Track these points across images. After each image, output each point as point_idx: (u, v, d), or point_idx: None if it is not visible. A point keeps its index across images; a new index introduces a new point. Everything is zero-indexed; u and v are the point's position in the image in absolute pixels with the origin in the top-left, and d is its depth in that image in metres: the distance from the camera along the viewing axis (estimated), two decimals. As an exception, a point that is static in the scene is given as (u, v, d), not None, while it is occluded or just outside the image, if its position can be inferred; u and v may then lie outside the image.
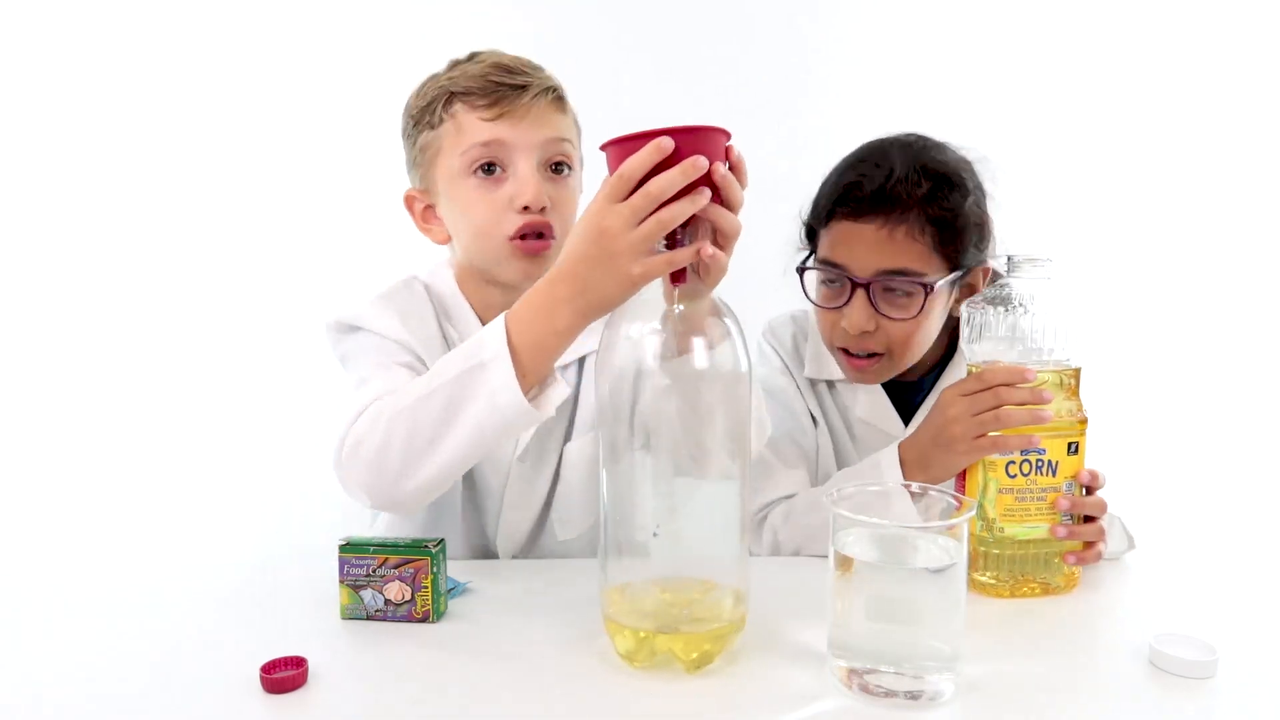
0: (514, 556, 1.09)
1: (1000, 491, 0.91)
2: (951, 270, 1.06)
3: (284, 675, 0.71)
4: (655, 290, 0.74)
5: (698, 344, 0.72)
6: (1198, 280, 1.87)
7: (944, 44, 1.78)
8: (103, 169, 1.83)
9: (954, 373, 1.15)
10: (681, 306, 0.73)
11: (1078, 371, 0.92)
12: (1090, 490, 0.92)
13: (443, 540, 0.86)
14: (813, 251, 1.12)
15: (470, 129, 0.98)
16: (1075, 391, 0.92)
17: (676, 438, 0.72)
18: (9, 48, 1.78)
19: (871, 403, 1.17)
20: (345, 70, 1.78)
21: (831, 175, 1.10)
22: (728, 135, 0.71)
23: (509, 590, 0.92)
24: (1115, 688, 0.72)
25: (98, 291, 1.86)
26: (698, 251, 0.71)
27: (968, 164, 1.08)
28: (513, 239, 0.98)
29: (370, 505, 0.88)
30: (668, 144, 0.67)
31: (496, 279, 1.03)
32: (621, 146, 0.70)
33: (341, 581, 0.84)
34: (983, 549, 0.91)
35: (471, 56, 1.03)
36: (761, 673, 0.73)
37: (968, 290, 1.10)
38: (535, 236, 0.99)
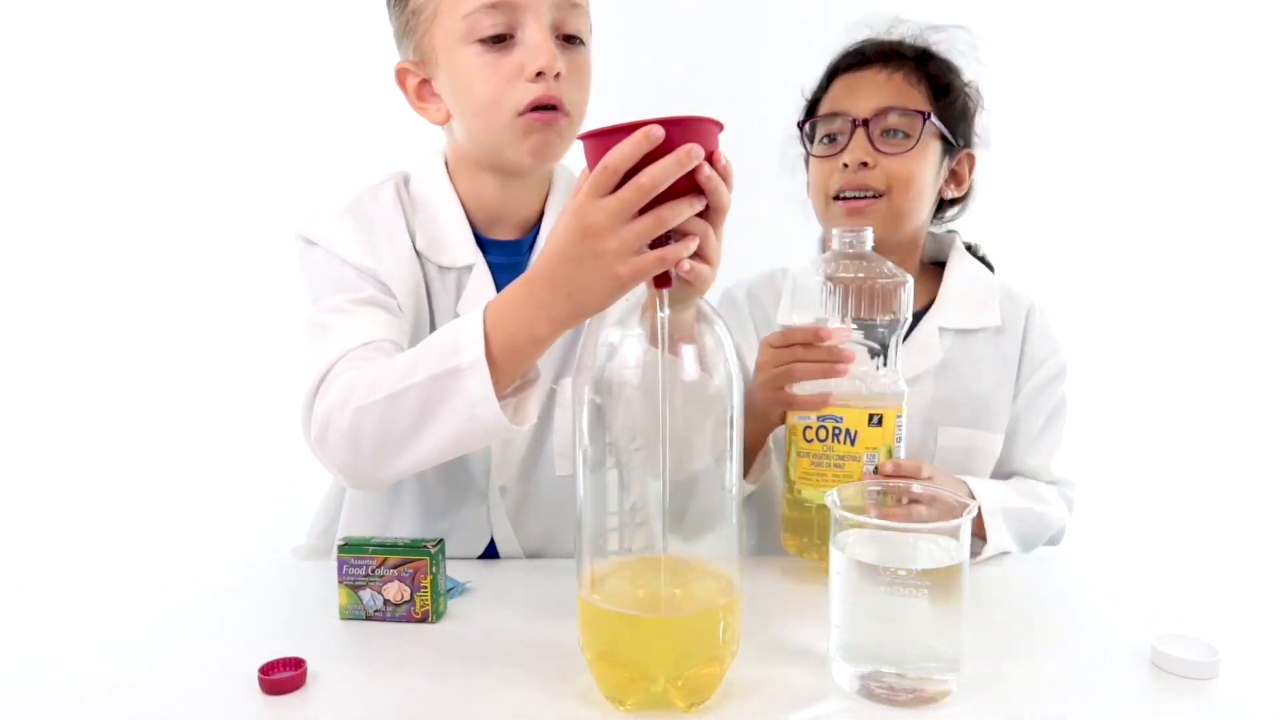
0: (504, 486, 1.02)
1: (799, 455, 0.92)
2: (943, 132, 1.10)
3: (282, 676, 0.71)
4: (639, 294, 0.70)
5: (684, 352, 0.67)
6: (1200, 280, 1.87)
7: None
8: (78, 161, 1.81)
9: (935, 319, 1.13)
10: (667, 312, 0.68)
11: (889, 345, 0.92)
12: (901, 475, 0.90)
13: (441, 540, 0.86)
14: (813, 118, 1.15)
15: None
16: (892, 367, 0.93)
17: (659, 448, 0.68)
18: None
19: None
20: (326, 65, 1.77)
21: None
22: (720, 126, 0.66)
23: (509, 590, 0.92)
24: (1117, 688, 0.72)
25: (97, 292, 1.85)
26: (691, 247, 0.66)
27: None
28: (522, 113, 0.87)
29: (347, 485, 0.85)
30: (658, 132, 0.61)
31: (502, 162, 0.94)
32: (603, 140, 0.64)
33: (340, 582, 0.84)
34: (788, 511, 0.94)
35: None
36: (763, 675, 0.73)
37: (953, 178, 1.14)
38: (548, 109, 0.88)
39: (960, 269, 1.16)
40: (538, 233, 1.00)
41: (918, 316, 1.13)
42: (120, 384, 1.86)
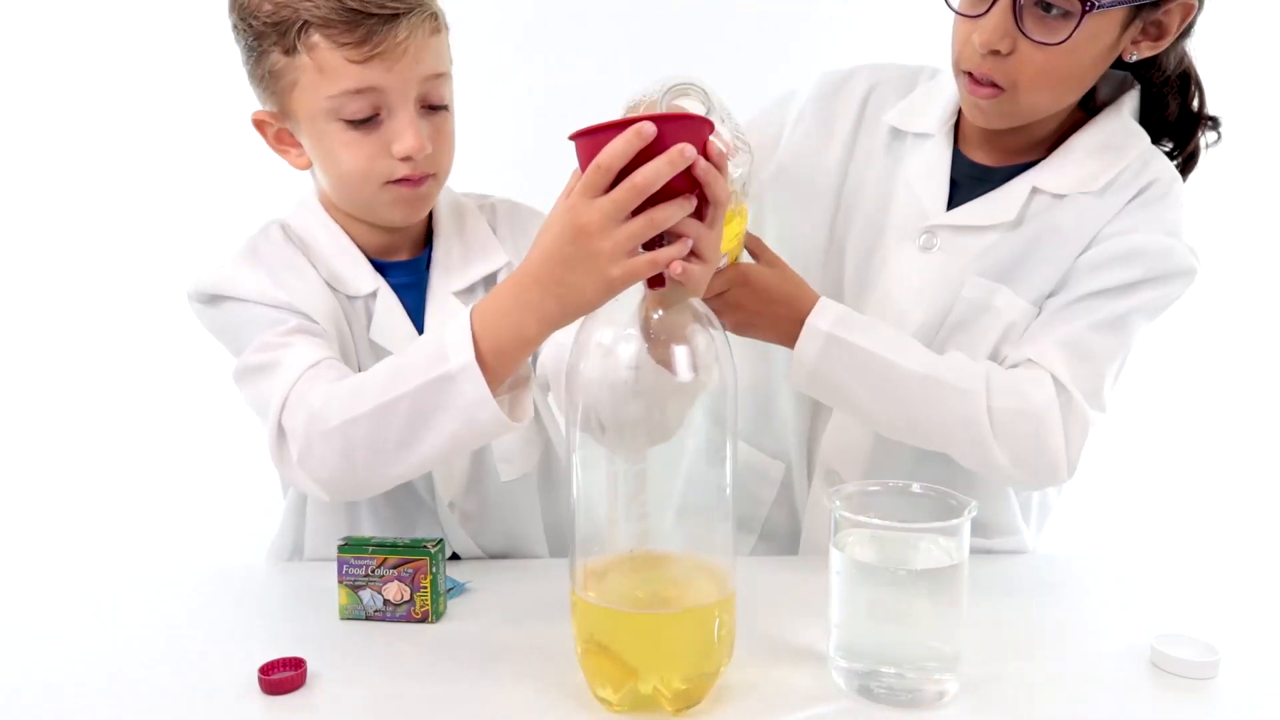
0: (452, 502, 1.00)
1: None
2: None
3: (282, 676, 0.71)
4: (631, 294, 0.68)
5: (677, 353, 0.66)
6: (1201, 279, 1.87)
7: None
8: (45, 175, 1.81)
9: (1032, 177, 0.95)
10: (660, 313, 0.67)
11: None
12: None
13: (441, 540, 0.86)
14: None
15: (335, 71, 0.83)
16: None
17: (653, 451, 0.68)
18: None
19: (927, 165, 1.00)
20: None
21: None
22: (711, 126, 0.65)
23: (509, 590, 0.92)
24: (1116, 688, 0.72)
25: (99, 291, 1.85)
26: (684, 250, 0.65)
27: None
28: (390, 183, 0.88)
29: (328, 500, 0.83)
30: (650, 130, 0.61)
31: (372, 220, 0.94)
32: (595, 138, 0.63)
33: (340, 582, 0.84)
34: None
35: None
36: (762, 675, 0.73)
37: (1154, 30, 0.88)
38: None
39: (1105, 128, 0.95)
40: (432, 248, 0.99)
41: (1023, 168, 0.96)
42: (121, 383, 1.86)
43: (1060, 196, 0.94)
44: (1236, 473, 1.83)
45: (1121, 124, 0.95)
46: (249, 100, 0.92)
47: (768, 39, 1.77)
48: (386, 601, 0.83)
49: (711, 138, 0.66)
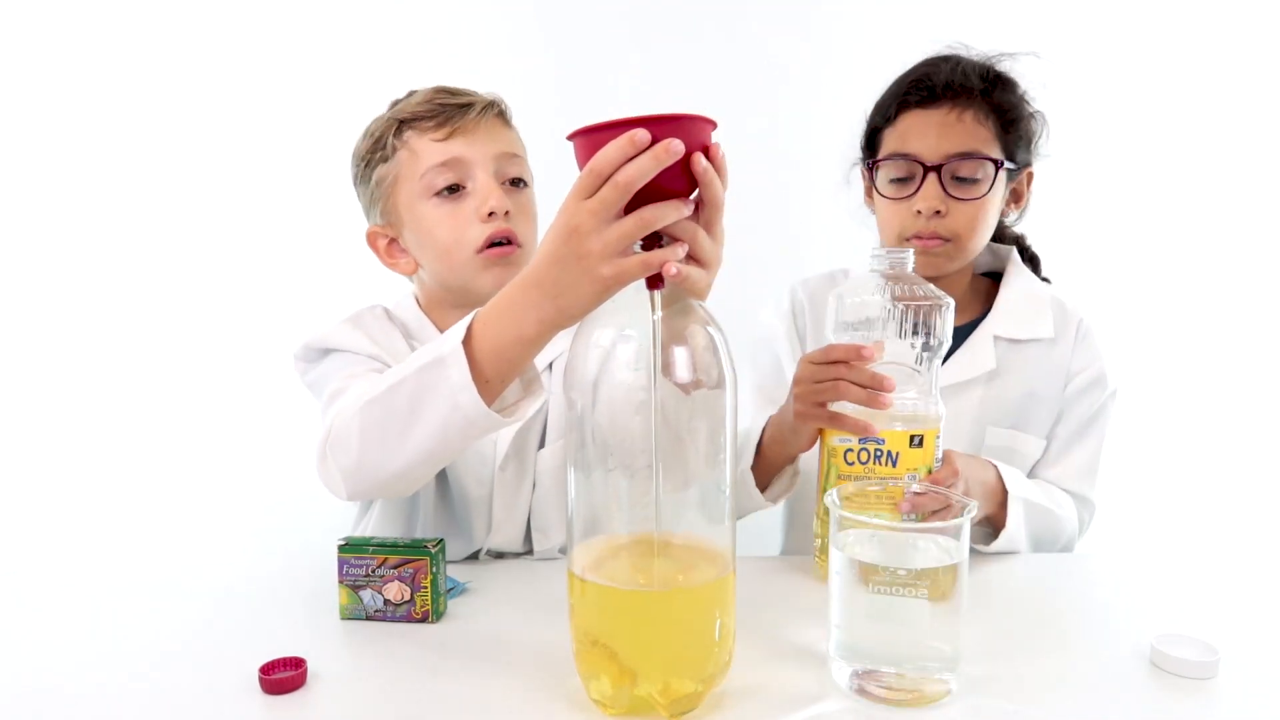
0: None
1: (839, 478, 0.90)
2: (1010, 167, 1.10)
3: (283, 676, 0.71)
4: (630, 295, 0.68)
5: (677, 354, 0.66)
6: (1198, 279, 1.87)
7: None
8: (97, 175, 1.82)
9: (989, 328, 1.15)
10: (660, 313, 0.66)
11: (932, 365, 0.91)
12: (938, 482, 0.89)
13: (442, 540, 0.86)
14: (875, 156, 1.14)
15: (425, 152, 0.99)
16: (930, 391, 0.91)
17: (652, 453, 0.67)
18: None
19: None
20: (340, 83, 1.77)
21: (894, 82, 1.14)
22: (713, 125, 0.64)
23: (509, 590, 0.92)
24: (1116, 688, 0.72)
25: (100, 294, 1.85)
26: (679, 253, 0.65)
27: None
28: (480, 250, 0.99)
29: (347, 495, 0.85)
30: (643, 137, 0.61)
31: (469, 295, 1.01)
32: (590, 137, 0.63)
33: (341, 582, 0.84)
34: (824, 532, 0.92)
35: (410, 93, 1.05)
36: (762, 674, 0.73)
37: (1014, 197, 1.16)
38: (503, 244, 1.00)
39: (1017, 282, 1.19)
40: None
41: (973, 325, 1.16)
42: (122, 384, 1.86)
43: (1017, 341, 1.14)
44: (1236, 473, 1.84)
45: (1022, 273, 1.20)
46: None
47: (776, 39, 1.77)
48: (387, 601, 0.83)
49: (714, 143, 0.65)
